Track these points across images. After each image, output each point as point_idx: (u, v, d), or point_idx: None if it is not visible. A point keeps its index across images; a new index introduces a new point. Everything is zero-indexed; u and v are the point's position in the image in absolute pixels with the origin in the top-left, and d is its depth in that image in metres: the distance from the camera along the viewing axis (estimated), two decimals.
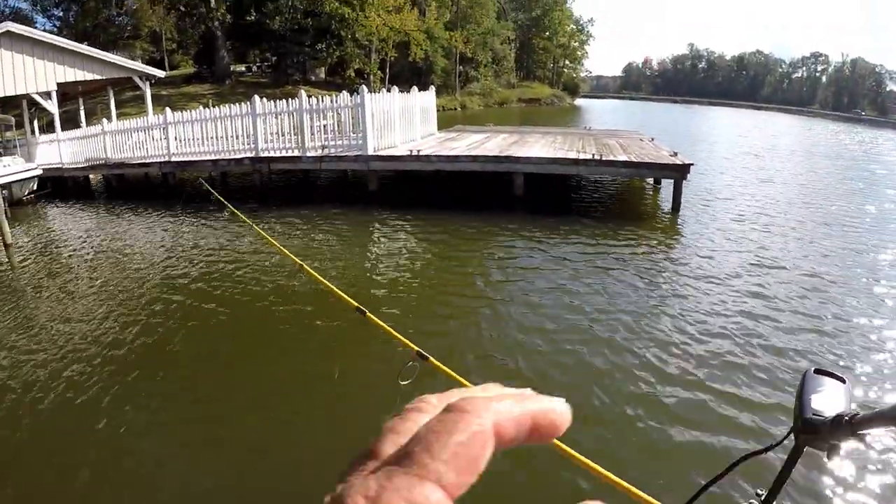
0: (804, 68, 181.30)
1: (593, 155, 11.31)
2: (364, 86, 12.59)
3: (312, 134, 13.09)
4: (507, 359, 5.34)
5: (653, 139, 15.70)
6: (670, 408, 4.48)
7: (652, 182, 13.77)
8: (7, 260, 11.11)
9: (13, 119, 21.72)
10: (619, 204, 12.74)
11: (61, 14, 56.97)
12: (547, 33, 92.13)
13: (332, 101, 12.90)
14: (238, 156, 14.13)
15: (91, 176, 19.50)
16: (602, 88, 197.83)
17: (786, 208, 12.35)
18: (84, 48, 21.61)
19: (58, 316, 7.45)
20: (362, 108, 12.17)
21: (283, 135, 13.49)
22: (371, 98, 12.42)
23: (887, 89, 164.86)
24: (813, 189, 15.44)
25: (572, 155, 11.63)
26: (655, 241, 9.27)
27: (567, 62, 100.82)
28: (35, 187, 19.20)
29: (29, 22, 50.68)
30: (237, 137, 14.30)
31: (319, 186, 15.23)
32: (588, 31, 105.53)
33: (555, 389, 0.60)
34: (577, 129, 20.21)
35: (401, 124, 13.91)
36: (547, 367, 5.22)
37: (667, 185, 12.61)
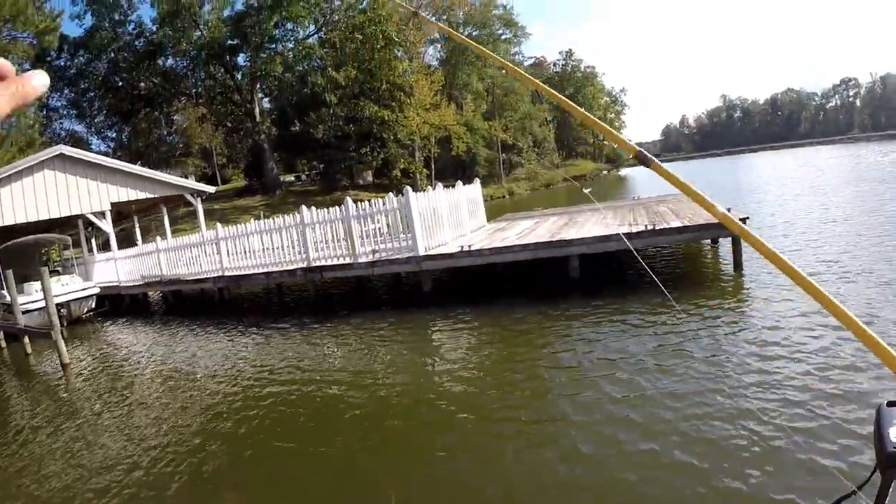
0: (836, 96, 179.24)
1: (646, 225, 10.90)
2: (409, 186, 12.58)
3: (363, 239, 13.09)
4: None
5: None
6: None
7: (709, 242, 13.21)
8: (65, 380, 11.30)
9: (70, 239, 22.44)
10: (679, 271, 12.24)
11: (115, 135, 59.67)
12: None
13: (378, 205, 12.89)
14: (290, 267, 14.18)
15: (149, 293, 19.83)
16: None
17: (852, 248, 11.53)
18: (135, 168, 22.48)
19: (107, 442, 7.33)
20: (408, 208, 12.09)
21: (334, 242, 13.47)
22: (416, 197, 12.35)
23: None
24: (878, 220, 14.57)
25: (624, 229, 11.25)
26: (723, 310, 8.50)
27: None
28: (93, 305, 19.69)
29: (84, 144, 53.69)
30: (289, 248, 14.38)
31: (374, 291, 15.05)
32: (622, 101, 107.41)
33: None
34: (625, 201, 19.85)
35: (449, 220, 13.81)
36: None
37: (725, 243, 12.11)
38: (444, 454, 5.57)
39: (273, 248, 14.78)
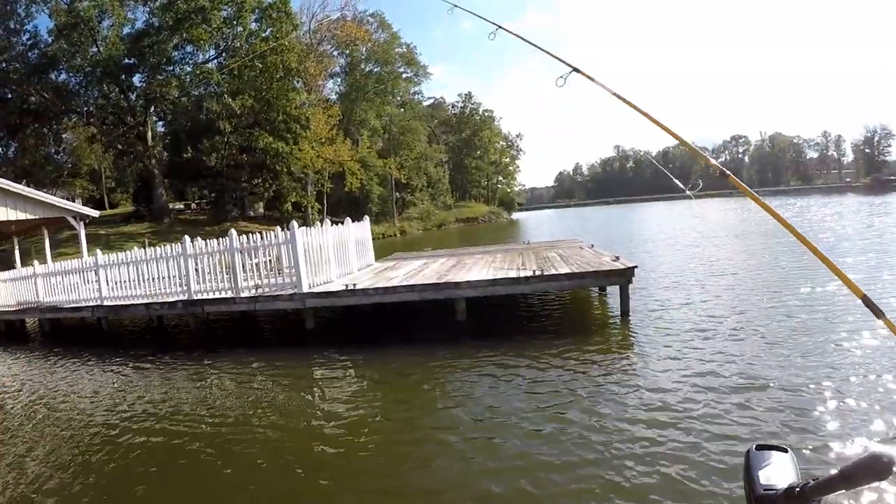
0: (726, 151, 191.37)
1: (534, 271, 11.19)
2: (294, 221, 12.44)
3: (245, 273, 12.78)
4: None
5: (592, 245, 15.83)
6: None
7: (597, 290, 13.60)
8: None
9: None
10: (566, 317, 12.40)
11: (0, 150, 56.22)
12: (478, 152, 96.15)
13: (264, 239, 12.66)
14: (171, 299, 13.74)
15: (26, 319, 18.73)
16: (536, 199, 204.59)
17: (738, 301, 12.00)
18: (14, 186, 21.35)
19: None
20: (293, 244, 12.03)
21: (217, 275, 13.19)
22: (303, 233, 12.33)
23: (807, 157, 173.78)
24: (764, 271, 15.55)
25: (513, 273, 11.52)
26: (606, 357, 8.74)
27: (500, 178, 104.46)
28: None
29: None
30: (171, 279, 13.94)
31: (258, 327, 14.81)
32: (518, 146, 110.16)
33: None
34: (516, 245, 20.24)
35: (336, 257, 13.81)
36: None
37: (613, 291, 12.42)
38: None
39: (156, 279, 14.26)
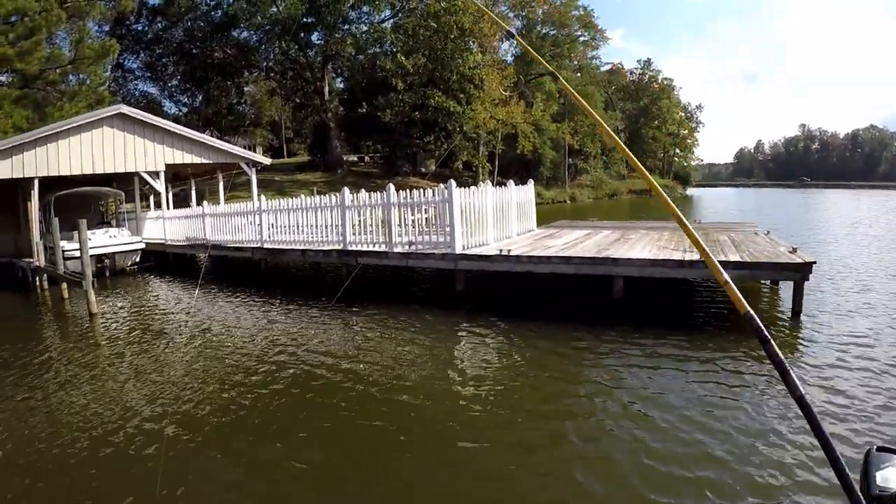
0: None
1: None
2: (452, 181, 11.95)
3: (400, 228, 12.64)
4: None
5: (768, 232, 14.07)
6: None
7: (769, 283, 12.07)
8: (90, 328, 11.80)
9: (123, 193, 22.89)
10: (731, 310, 10.37)
11: (187, 100, 60.77)
12: (656, 122, 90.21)
13: (420, 196, 12.42)
14: (327, 247, 13.92)
15: (197, 254, 20.07)
16: (714, 176, 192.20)
17: None
18: (191, 132, 22.68)
19: (102, 392, 7.55)
20: (450, 203, 11.54)
21: (373, 228, 13.16)
22: (460, 193, 11.80)
23: None
24: None
25: (678, 255, 10.28)
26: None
27: (677, 151, 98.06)
28: (137, 259, 20.07)
29: (157, 106, 54.81)
30: (326, 228, 14.14)
31: (409, 282, 14.61)
32: (697, 118, 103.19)
33: None
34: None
35: (494, 220, 13.21)
36: None
37: (786, 286, 10.83)
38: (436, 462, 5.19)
39: (314, 227, 14.53)
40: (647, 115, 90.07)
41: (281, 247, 15.23)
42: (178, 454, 5.47)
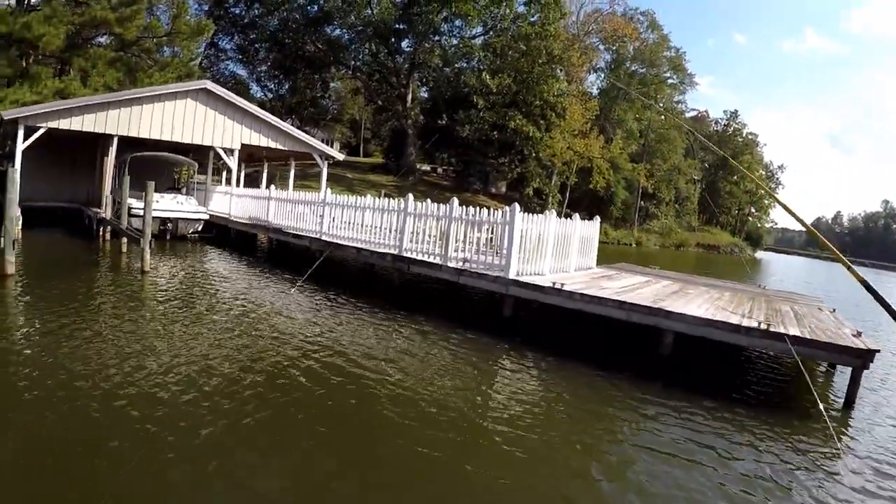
0: None
1: (759, 323, 9.34)
2: (516, 204, 11.81)
3: (457, 243, 12.56)
4: None
5: (834, 310, 13.39)
6: None
7: (826, 364, 11.11)
8: (140, 284, 12.47)
9: (197, 165, 23.64)
10: (781, 387, 10.04)
11: (273, 87, 62.30)
12: (735, 177, 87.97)
13: (482, 214, 12.31)
14: (382, 250, 14.00)
15: (258, 234, 20.66)
16: (786, 242, 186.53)
17: None
18: (270, 117, 23.23)
19: (142, 348, 7.79)
20: (511, 226, 11.36)
21: (430, 239, 13.16)
22: (522, 218, 11.61)
23: None
24: None
25: (734, 319, 9.68)
26: (810, 452, 6.69)
27: (752, 210, 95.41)
28: (199, 228, 20.60)
29: (245, 88, 56.35)
30: (386, 231, 14.25)
31: (458, 299, 14.57)
32: (777, 178, 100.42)
33: None
34: (749, 287, 17.92)
35: (553, 251, 12.95)
36: None
37: (842, 369, 10.11)
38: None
39: (374, 228, 14.69)
40: (727, 168, 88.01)
41: (339, 241, 15.36)
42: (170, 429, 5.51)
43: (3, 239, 11.40)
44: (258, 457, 5.19)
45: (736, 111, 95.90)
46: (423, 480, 5.14)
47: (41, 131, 18.97)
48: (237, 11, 56.73)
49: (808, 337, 8.95)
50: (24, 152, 18.76)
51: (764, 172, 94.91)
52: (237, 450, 5.27)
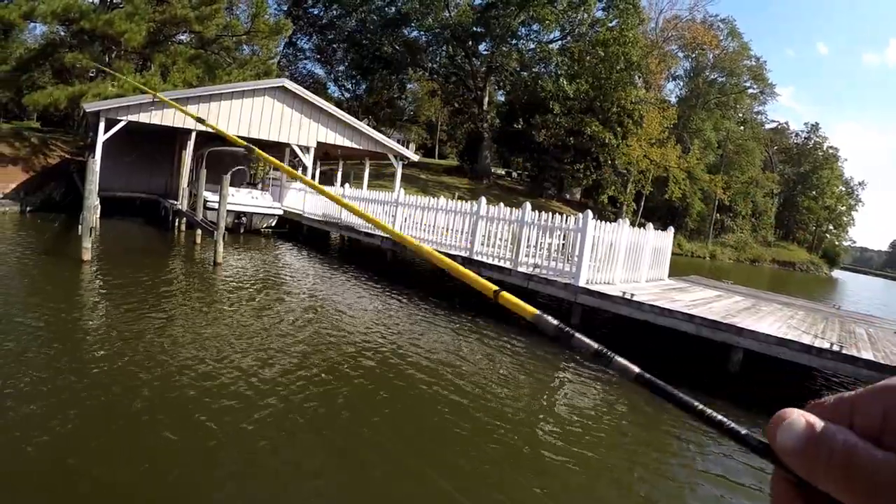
0: None
1: (832, 344, 9.09)
2: (589, 210, 11.83)
3: (528, 249, 12.66)
4: None
5: None
6: None
7: None
8: (211, 275, 13.01)
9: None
10: None
11: (351, 87, 63.41)
12: (813, 192, 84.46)
13: (554, 220, 12.37)
14: (452, 251, 14.16)
15: (333, 233, 21.15)
16: (865, 262, 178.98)
17: None
18: (347, 117, 23.75)
19: (209, 335, 8.14)
20: (583, 234, 11.39)
21: (501, 243, 13.29)
22: (594, 226, 11.63)
23: None
24: None
25: (806, 339, 9.39)
26: None
27: (831, 227, 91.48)
28: (273, 223, 21.22)
29: (323, 87, 57.64)
30: (457, 233, 14.49)
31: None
32: (857, 196, 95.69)
33: None
34: (823, 306, 17.49)
35: (625, 261, 12.89)
36: None
37: None
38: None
39: (447, 229, 14.92)
40: (806, 182, 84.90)
41: None
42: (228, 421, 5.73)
43: (80, 226, 12.03)
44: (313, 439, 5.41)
45: (816, 124, 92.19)
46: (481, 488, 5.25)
47: (122, 124, 19.76)
48: (315, 12, 58.32)
49: (882, 362, 8.66)
50: (104, 144, 19.57)
51: (844, 188, 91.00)
52: (286, 447, 5.49)
